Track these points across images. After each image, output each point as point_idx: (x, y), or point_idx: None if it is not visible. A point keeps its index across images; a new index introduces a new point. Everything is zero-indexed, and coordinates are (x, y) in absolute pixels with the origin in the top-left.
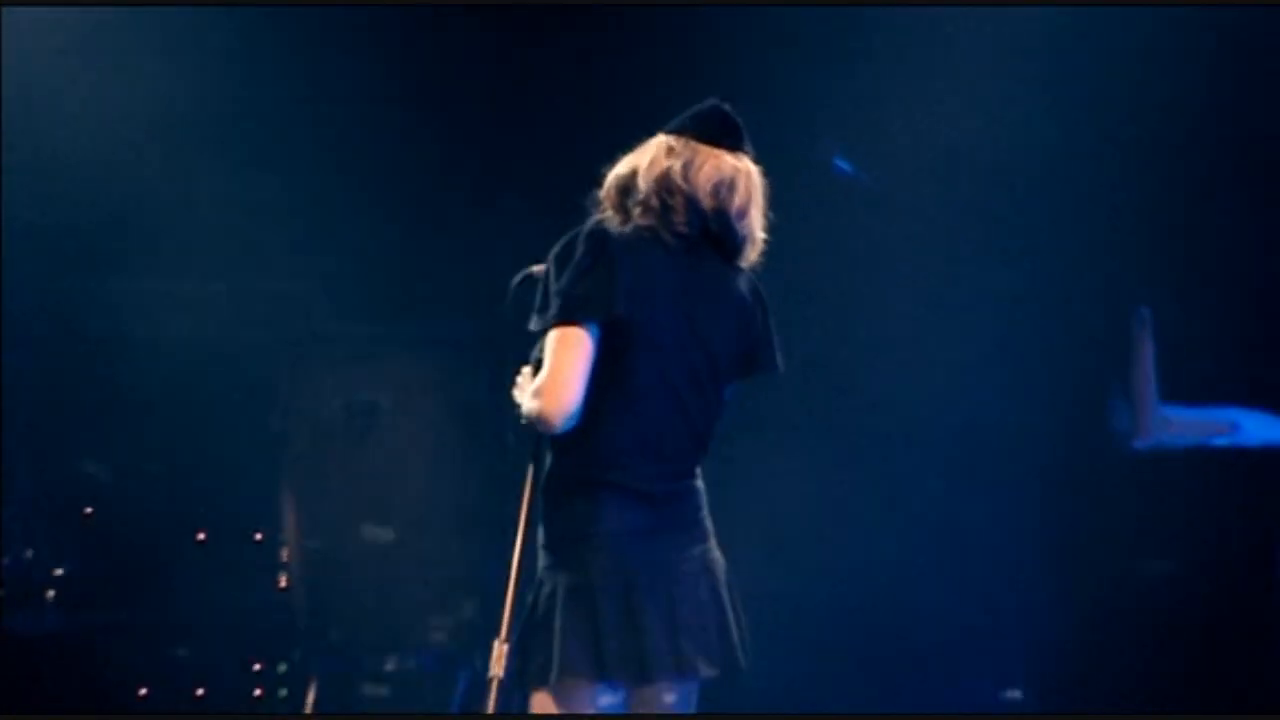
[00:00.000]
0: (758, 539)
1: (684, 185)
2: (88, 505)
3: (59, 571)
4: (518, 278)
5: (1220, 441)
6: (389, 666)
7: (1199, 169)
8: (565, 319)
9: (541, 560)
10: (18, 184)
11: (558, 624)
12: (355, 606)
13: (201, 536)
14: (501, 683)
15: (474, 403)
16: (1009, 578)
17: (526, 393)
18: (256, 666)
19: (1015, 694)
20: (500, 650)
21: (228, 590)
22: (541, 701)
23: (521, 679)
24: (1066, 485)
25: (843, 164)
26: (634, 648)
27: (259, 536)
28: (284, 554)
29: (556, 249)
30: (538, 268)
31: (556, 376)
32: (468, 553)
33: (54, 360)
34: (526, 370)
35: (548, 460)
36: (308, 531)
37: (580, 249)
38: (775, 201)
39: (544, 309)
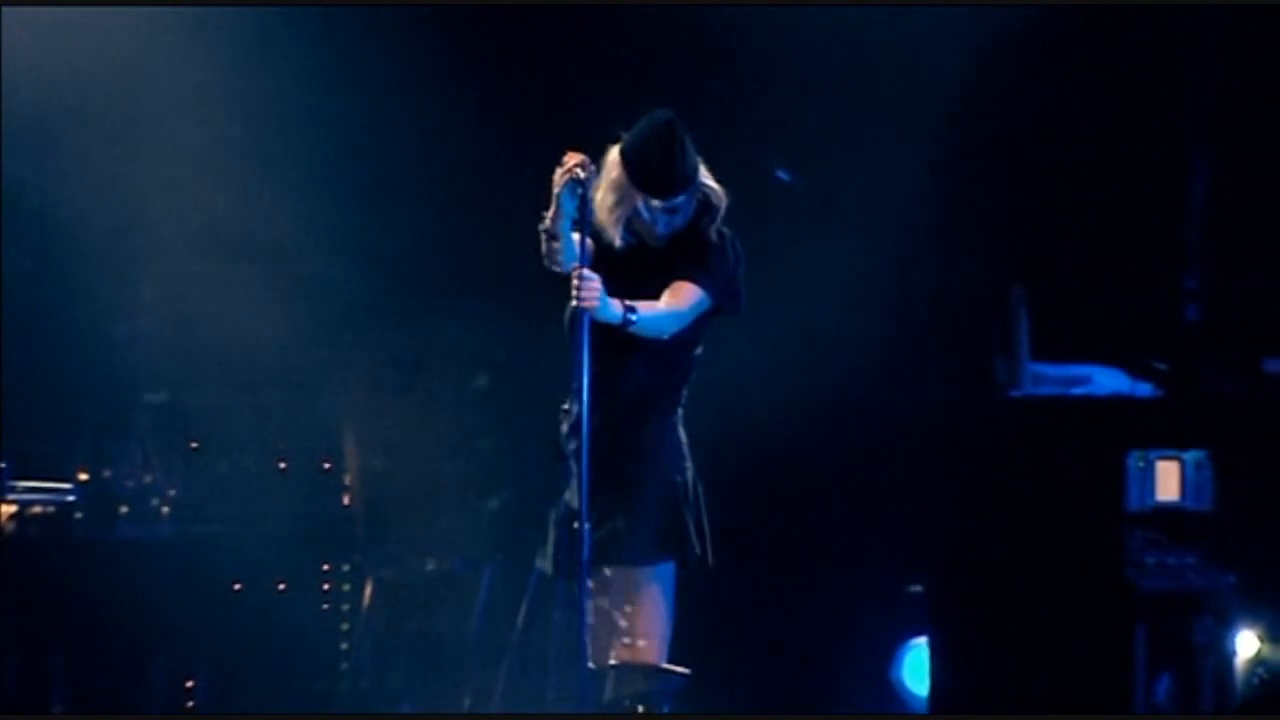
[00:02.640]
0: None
1: None
2: (194, 441)
3: (171, 492)
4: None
5: (1077, 391)
6: (429, 567)
7: (1066, 171)
8: (725, 307)
9: (647, 471)
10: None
11: (683, 514)
12: (402, 520)
13: (283, 465)
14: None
15: (495, 358)
16: (909, 495)
17: (666, 313)
18: (325, 566)
19: (917, 588)
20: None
21: (303, 506)
22: (653, 578)
23: (639, 555)
24: (955, 424)
25: (783, 174)
26: (703, 535)
27: (328, 465)
28: (347, 479)
29: (731, 238)
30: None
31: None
32: (490, 474)
33: (162, 330)
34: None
35: (626, 389)
36: (364, 461)
37: (735, 245)
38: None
39: (728, 290)
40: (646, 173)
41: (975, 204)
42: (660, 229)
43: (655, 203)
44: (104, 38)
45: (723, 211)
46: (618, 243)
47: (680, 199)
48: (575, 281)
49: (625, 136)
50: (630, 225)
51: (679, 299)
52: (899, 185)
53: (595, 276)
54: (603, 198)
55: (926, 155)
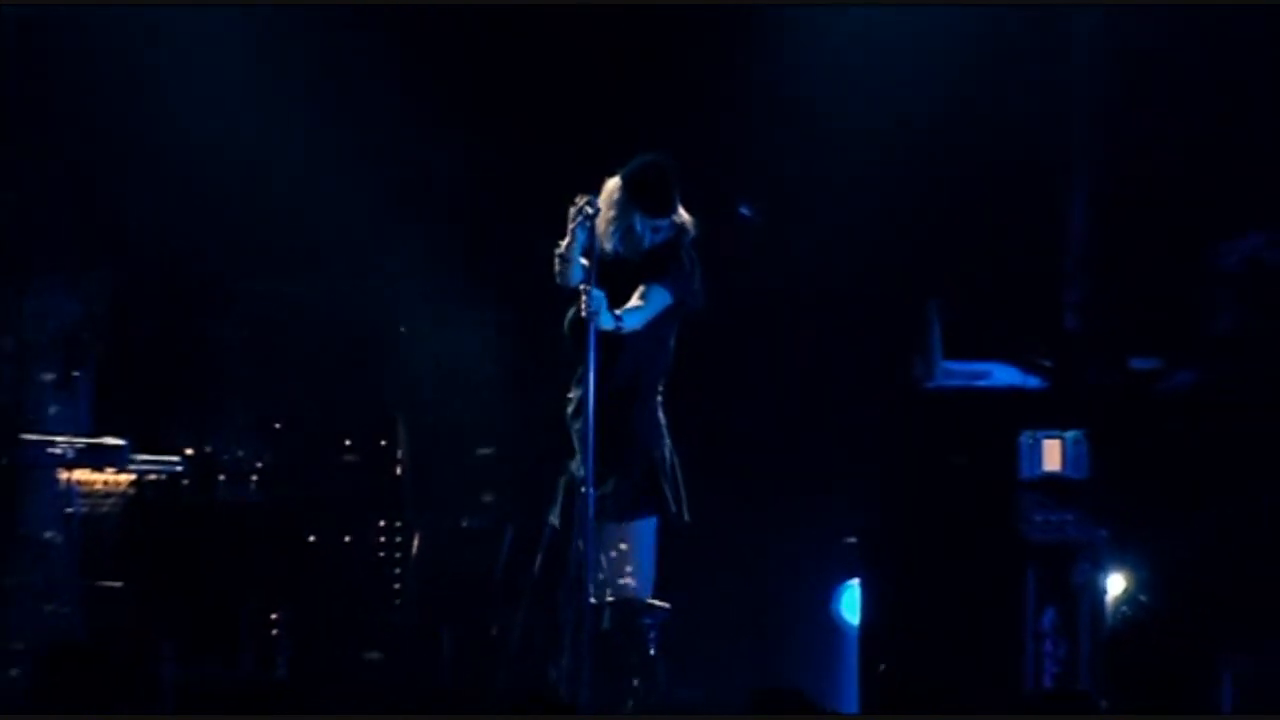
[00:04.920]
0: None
1: None
2: (277, 423)
3: (259, 463)
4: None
5: (979, 383)
6: (463, 524)
7: (971, 206)
8: (689, 302)
9: (630, 444)
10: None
11: (661, 479)
12: (441, 486)
13: (348, 442)
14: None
15: (514, 356)
16: (847, 466)
17: (634, 311)
18: (381, 523)
19: (851, 540)
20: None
21: (363, 476)
22: (637, 530)
23: (625, 512)
24: (883, 410)
25: (745, 210)
26: (679, 498)
27: (383, 442)
28: (398, 454)
29: (686, 248)
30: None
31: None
32: (510, 451)
33: (250, 333)
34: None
35: (614, 377)
36: (412, 440)
37: (693, 255)
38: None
39: (687, 289)
40: (644, 195)
41: (900, 233)
42: (645, 243)
43: (646, 220)
44: (209, 34)
45: (693, 235)
46: (609, 247)
47: (665, 221)
48: (583, 298)
49: (624, 169)
50: (622, 237)
51: (643, 298)
52: (837, 215)
53: (601, 293)
54: (603, 212)
55: (856, 188)
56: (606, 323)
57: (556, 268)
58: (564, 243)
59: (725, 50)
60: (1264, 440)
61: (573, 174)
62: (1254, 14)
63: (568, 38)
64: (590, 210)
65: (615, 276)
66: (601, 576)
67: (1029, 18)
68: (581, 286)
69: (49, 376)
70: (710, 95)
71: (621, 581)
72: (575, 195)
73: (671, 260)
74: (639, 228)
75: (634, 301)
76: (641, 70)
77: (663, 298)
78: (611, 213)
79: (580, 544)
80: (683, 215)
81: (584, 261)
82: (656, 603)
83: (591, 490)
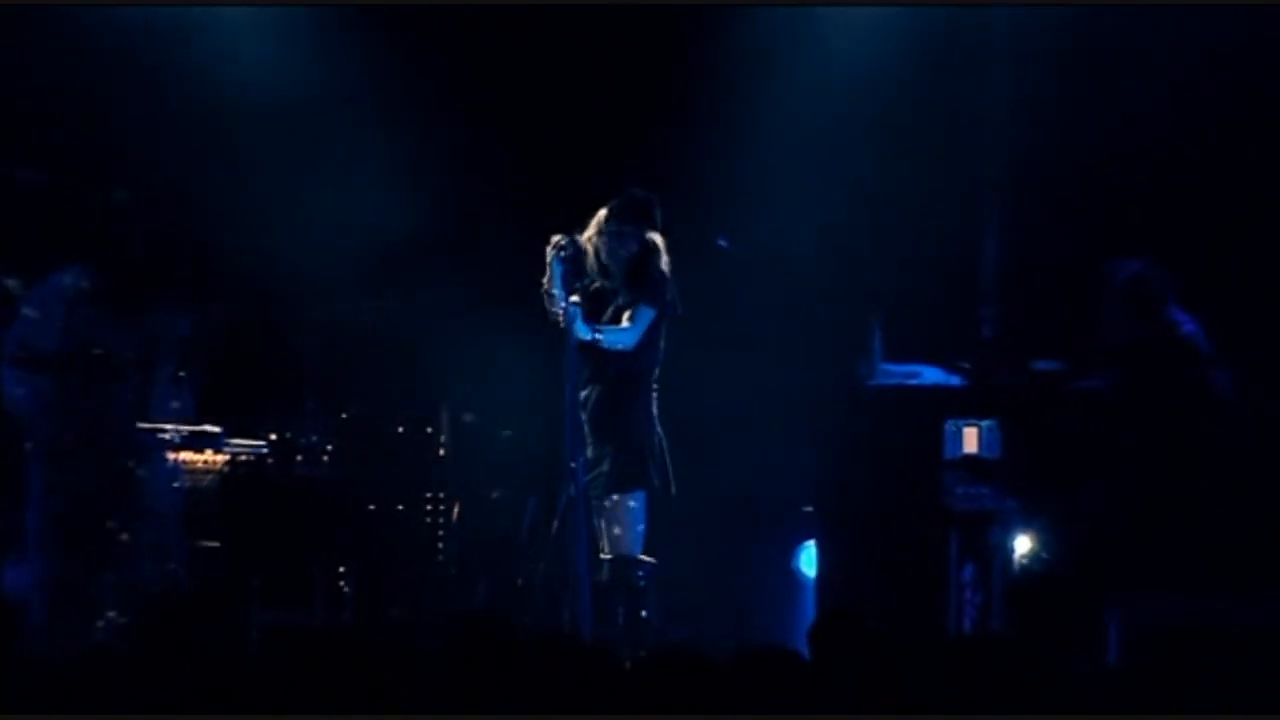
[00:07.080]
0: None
1: None
2: (344, 414)
3: (329, 446)
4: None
5: (911, 381)
6: (495, 495)
7: (904, 233)
8: (669, 312)
9: (622, 431)
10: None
11: (648, 460)
12: (476, 462)
13: (401, 429)
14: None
15: (534, 358)
16: (806, 448)
17: (626, 330)
18: (428, 495)
19: (808, 509)
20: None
21: (413, 456)
22: (628, 501)
23: (617, 487)
24: (834, 402)
25: (723, 242)
26: (666, 474)
27: (429, 430)
28: (442, 437)
29: (657, 264)
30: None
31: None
32: (533, 435)
33: (322, 343)
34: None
35: (610, 374)
36: (452, 426)
37: (664, 270)
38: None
39: (666, 301)
40: (623, 202)
41: (849, 258)
42: (611, 243)
43: (618, 221)
44: (280, 44)
45: (663, 254)
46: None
47: (631, 227)
48: (561, 312)
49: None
50: (598, 230)
51: (631, 319)
52: (802, 241)
53: (576, 308)
54: (590, 227)
55: (813, 221)
56: (583, 334)
57: (545, 300)
58: (544, 278)
59: (672, 74)
60: (1142, 430)
61: (583, 200)
62: (1151, 54)
63: (598, 67)
64: (563, 244)
65: (604, 300)
66: (602, 538)
67: (945, 67)
68: (560, 304)
69: (164, 378)
70: (668, 124)
71: (618, 542)
72: (550, 236)
73: (648, 279)
74: (611, 225)
75: (624, 323)
76: (649, 93)
77: (647, 314)
78: (598, 215)
79: (586, 510)
80: (654, 237)
81: (561, 293)
82: (646, 559)
83: (584, 471)
